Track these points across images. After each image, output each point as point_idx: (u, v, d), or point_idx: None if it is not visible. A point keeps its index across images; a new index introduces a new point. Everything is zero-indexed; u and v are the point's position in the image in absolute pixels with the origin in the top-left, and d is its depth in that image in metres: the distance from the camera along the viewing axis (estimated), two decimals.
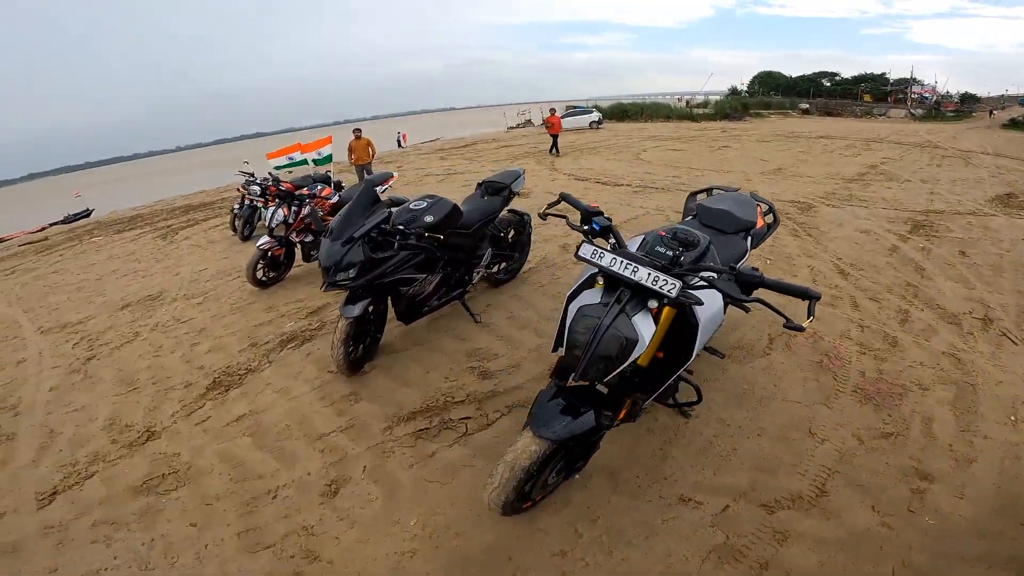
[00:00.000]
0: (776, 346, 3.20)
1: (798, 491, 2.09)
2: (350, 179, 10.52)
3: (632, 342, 1.56)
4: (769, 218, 2.83)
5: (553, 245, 5.36)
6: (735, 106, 30.19)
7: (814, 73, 46.75)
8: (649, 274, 1.55)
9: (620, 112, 29.31)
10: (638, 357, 1.60)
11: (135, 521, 2.23)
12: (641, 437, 2.44)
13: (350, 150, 10.24)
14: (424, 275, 3.16)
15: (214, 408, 3.06)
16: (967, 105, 34.69)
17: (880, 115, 32.96)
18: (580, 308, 1.67)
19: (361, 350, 3.15)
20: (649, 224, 6.10)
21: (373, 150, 10.38)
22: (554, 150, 14.01)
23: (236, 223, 7.86)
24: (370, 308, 3.00)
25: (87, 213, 14.41)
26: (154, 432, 2.89)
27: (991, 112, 30.89)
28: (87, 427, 3.07)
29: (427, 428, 2.62)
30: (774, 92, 42.28)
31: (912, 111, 32.63)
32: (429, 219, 3.07)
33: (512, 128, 30.71)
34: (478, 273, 3.74)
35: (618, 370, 1.61)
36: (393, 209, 3.11)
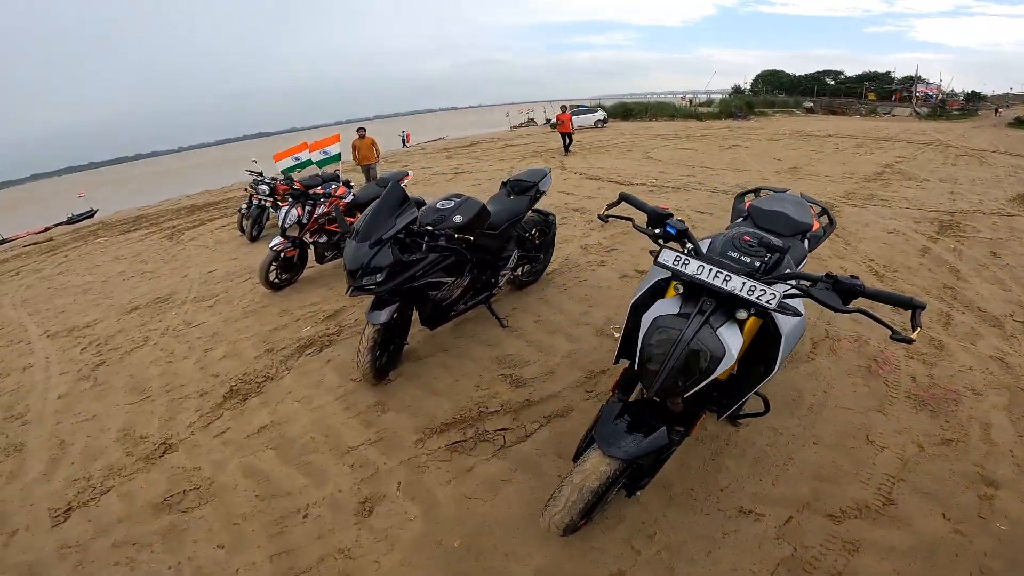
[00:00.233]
0: (820, 351, 3.07)
1: (864, 500, 2.02)
2: (356, 179, 10.38)
3: (717, 356, 1.44)
4: (824, 219, 2.69)
5: (574, 246, 5.22)
6: (740, 105, 30.03)
7: (818, 71, 46.55)
8: (744, 283, 1.42)
9: (624, 111, 29.15)
10: (723, 372, 1.47)
11: (159, 541, 2.09)
12: (691, 448, 2.31)
13: (354, 149, 10.10)
14: (453, 278, 3.02)
15: (233, 419, 2.93)
16: (972, 104, 34.50)
17: (885, 114, 32.82)
18: (656, 319, 1.53)
19: (385, 357, 3.01)
20: None
21: (378, 150, 10.23)
22: (573, 147, 13.88)
23: (244, 223, 7.73)
24: (395, 313, 2.86)
25: (91, 214, 14.28)
26: (171, 444, 2.75)
27: (997, 110, 30.74)
28: (99, 438, 2.94)
29: (462, 440, 2.48)
30: (777, 91, 42.11)
31: (917, 110, 32.49)
32: (458, 219, 2.93)
33: (515, 127, 30.59)
34: (504, 276, 3.60)
35: (699, 386, 1.49)
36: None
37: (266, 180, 7.51)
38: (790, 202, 2.48)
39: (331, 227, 5.15)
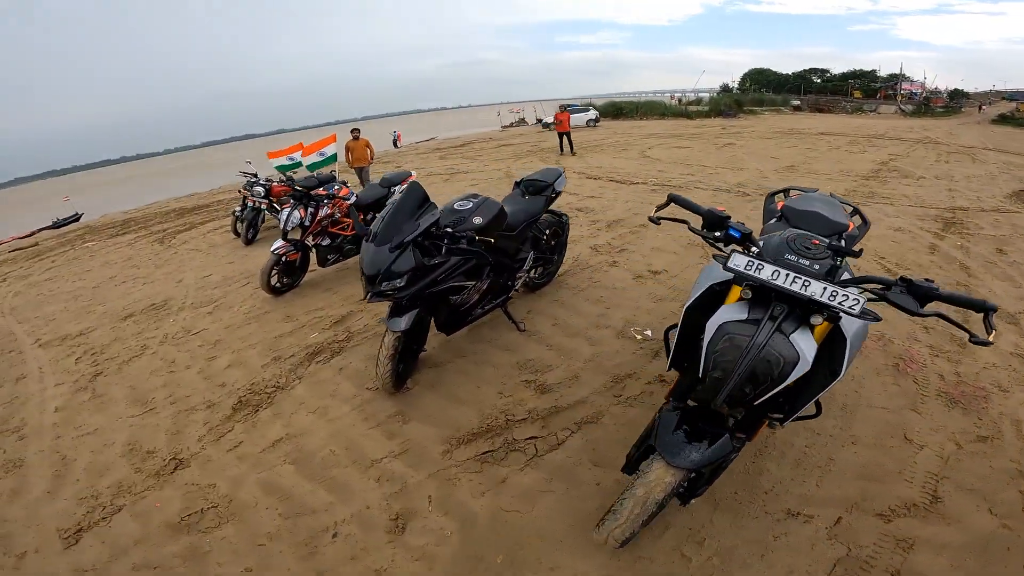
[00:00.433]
0: None
1: (911, 499, 2.02)
2: (351, 180, 10.22)
3: (791, 363, 1.39)
4: (856, 220, 2.65)
5: (582, 246, 5.14)
6: (729, 103, 30.25)
7: (804, 70, 47.13)
8: (824, 288, 1.37)
9: (615, 110, 29.25)
10: (796, 379, 1.41)
11: (181, 565, 1.98)
12: None
13: (347, 150, 9.89)
14: (473, 282, 2.93)
15: (245, 432, 2.80)
16: (956, 101, 35.13)
17: (871, 111, 33.29)
18: (721, 326, 1.47)
19: (402, 365, 2.90)
20: (676, 224, 5.91)
21: (372, 151, 10.01)
22: (565, 148, 13.65)
23: (238, 226, 7.55)
24: (414, 319, 2.75)
25: (76, 218, 13.91)
26: (182, 460, 2.62)
27: (980, 107, 31.36)
28: (104, 453, 2.80)
29: (491, 451, 2.39)
30: (765, 89, 42.49)
31: (902, 107, 32.99)
32: (478, 220, 2.84)
33: (506, 127, 30.50)
34: (520, 278, 3.51)
35: (770, 393, 1.43)
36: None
37: (261, 182, 7.34)
38: (823, 202, 2.43)
39: (334, 229, 5.03)
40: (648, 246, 5.04)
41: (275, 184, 7.45)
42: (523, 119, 33.23)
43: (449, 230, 2.73)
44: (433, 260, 2.64)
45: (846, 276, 1.53)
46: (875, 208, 6.30)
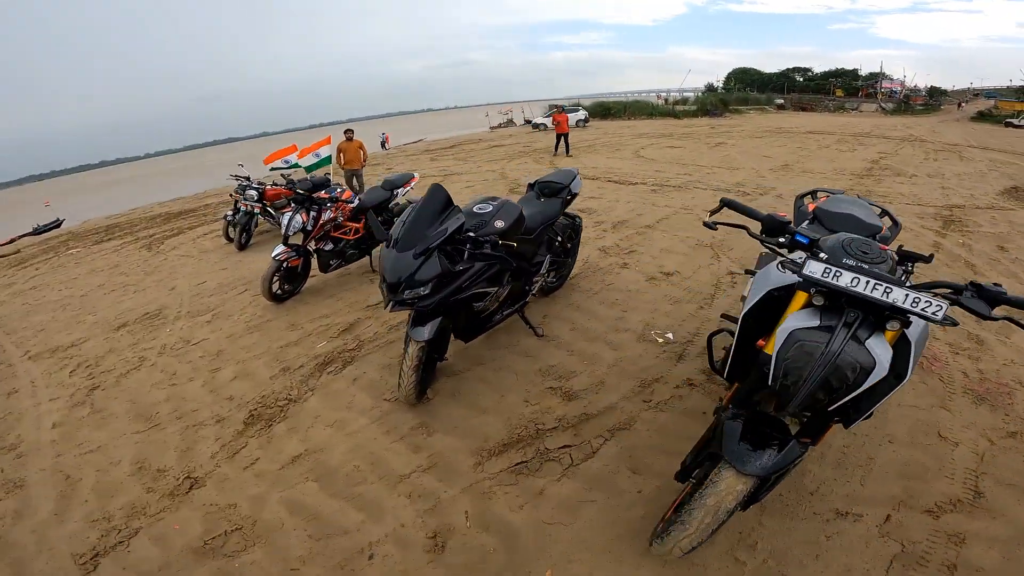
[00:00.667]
0: None
1: (954, 495, 2.04)
2: (339, 183, 10.04)
3: (867, 369, 1.37)
4: (887, 221, 2.63)
5: (590, 248, 5.09)
6: (715, 103, 30.56)
7: (787, 69, 47.87)
8: (907, 295, 1.33)
9: (603, 110, 29.33)
10: (872, 384, 1.39)
11: None
12: None
13: (339, 152, 9.68)
14: (496, 288, 2.84)
15: (261, 447, 2.68)
16: (935, 99, 35.93)
17: (852, 109, 33.90)
18: (792, 333, 1.44)
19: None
20: (683, 225, 5.90)
21: (365, 153, 9.80)
22: (560, 149, 13.58)
23: (230, 231, 7.35)
24: (437, 328, 2.66)
25: (57, 224, 13.47)
26: (196, 479, 2.50)
27: (959, 105, 32.10)
28: (111, 472, 2.67)
29: (525, 461, 2.31)
30: (749, 88, 43.04)
31: (883, 105, 33.63)
32: (500, 224, 2.76)
33: (495, 128, 30.41)
34: (537, 282, 3.44)
35: (843, 401, 1.42)
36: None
37: (254, 185, 7.16)
38: (856, 204, 2.42)
39: (337, 233, 4.90)
40: (657, 247, 5.00)
41: (269, 188, 7.27)
42: (511, 120, 33.16)
43: (471, 234, 2.64)
44: (459, 266, 2.55)
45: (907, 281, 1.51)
46: None
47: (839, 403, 1.42)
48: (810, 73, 46.60)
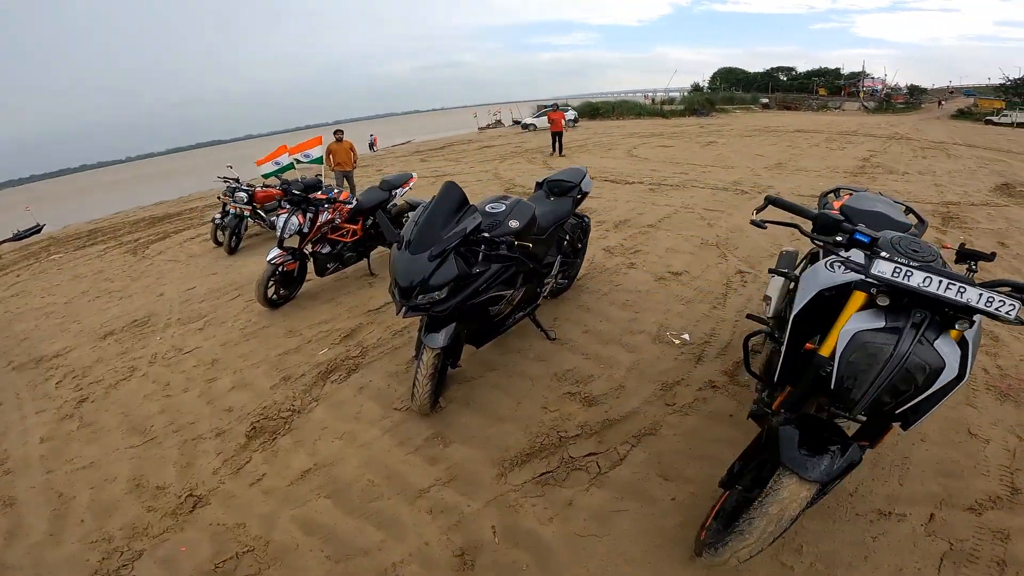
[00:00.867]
0: None
1: (992, 491, 2.03)
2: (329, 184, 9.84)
3: (937, 370, 1.32)
4: (912, 219, 2.58)
5: (594, 248, 4.99)
6: (702, 102, 30.81)
7: (771, 68, 48.50)
8: (981, 295, 1.28)
9: (592, 110, 29.38)
10: (942, 386, 1.34)
11: None
12: None
13: (329, 153, 9.45)
14: (510, 291, 2.73)
15: (266, 462, 2.54)
16: (916, 97, 36.66)
17: (835, 108, 34.43)
18: (856, 335, 1.38)
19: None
20: (685, 224, 5.84)
21: (355, 155, 9.59)
22: (556, 148, 13.47)
23: (219, 235, 7.14)
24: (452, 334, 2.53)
25: (38, 229, 13.08)
26: (200, 496, 2.35)
27: (939, 103, 32.76)
28: (107, 490, 2.51)
29: (550, 471, 2.21)
30: (735, 87, 43.49)
31: (865, 104, 34.22)
32: (514, 224, 2.65)
33: (483, 128, 30.28)
34: (548, 284, 3.34)
35: (910, 403, 1.37)
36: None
37: (243, 187, 6.96)
38: (881, 202, 2.37)
39: (334, 236, 4.75)
40: (662, 247, 4.94)
41: (258, 189, 7.08)
42: (500, 120, 33.07)
43: (486, 235, 2.53)
44: (476, 269, 2.43)
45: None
46: None
47: (906, 406, 1.37)
48: (794, 72, 47.32)
